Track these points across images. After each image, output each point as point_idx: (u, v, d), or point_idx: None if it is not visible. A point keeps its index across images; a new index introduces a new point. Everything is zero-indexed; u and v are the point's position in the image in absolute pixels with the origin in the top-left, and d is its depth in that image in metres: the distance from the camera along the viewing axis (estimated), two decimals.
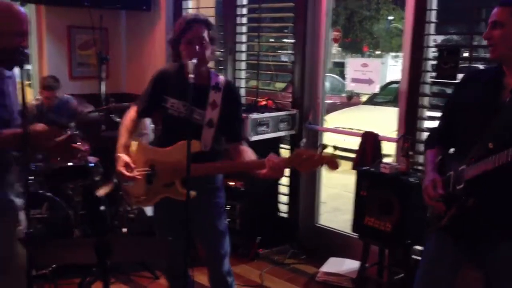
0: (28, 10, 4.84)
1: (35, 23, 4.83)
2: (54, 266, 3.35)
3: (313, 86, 4.10)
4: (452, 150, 2.25)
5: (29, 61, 2.21)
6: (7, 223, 2.35)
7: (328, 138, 4.84)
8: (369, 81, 3.87)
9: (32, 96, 4.65)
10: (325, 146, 2.27)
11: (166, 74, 2.51)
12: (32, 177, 3.47)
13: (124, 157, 2.43)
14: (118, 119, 3.90)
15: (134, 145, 2.53)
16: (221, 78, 2.52)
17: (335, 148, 2.35)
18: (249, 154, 2.45)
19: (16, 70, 2.33)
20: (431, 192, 2.08)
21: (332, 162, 2.20)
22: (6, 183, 2.29)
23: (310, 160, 2.20)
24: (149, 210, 4.21)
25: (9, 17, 2.11)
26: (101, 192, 3.68)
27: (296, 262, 3.98)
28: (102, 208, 4.12)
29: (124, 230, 3.89)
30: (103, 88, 4.35)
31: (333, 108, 8.99)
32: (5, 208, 2.32)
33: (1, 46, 2.09)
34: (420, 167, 3.34)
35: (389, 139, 3.80)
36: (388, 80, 10.50)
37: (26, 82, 2.16)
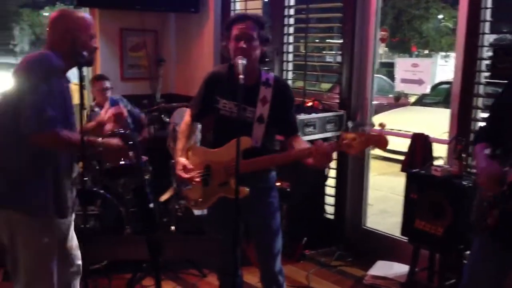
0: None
1: None
2: (106, 261, 3.46)
3: (361, 87, 4.06)
4: (498, 150, 2.19)
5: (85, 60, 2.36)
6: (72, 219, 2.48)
7: None
8: (420, 82, 3.79)
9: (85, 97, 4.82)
10: (373, 125, 2.25)
11: (216, 75, 2.55)
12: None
13: (182, 160, 2.50)
14: (167, 119, 3.98)
15: (190, 149, 2.59)
16: (271, 74, 2.54)
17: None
18: (302, 145, 2.45)
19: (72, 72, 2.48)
20: (495, 183, 1.99)
21: (382, 140, 2.17)
22: (72, 181, 2.39)
23: (359, 141, 2.19)
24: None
25: (82, 23, 2.29)
26: (163, 197, 3.77)
27: (342, 264, 3.95)
28: (151, 206, 4.21)
29: (173, 228, 3.96)
30: (158, 88, 4.43)
31: (380, 109, 8.84)
32: (75, 204, 2.45)
33: (79, 48, 2.24)
34: (474, 170, 3.24)
35: (440, 141, 3.70)
36: (437, 81, 10.24)
37: (77, 83, 2.28)
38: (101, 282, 3.41)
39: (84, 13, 2.38)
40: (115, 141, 2.35)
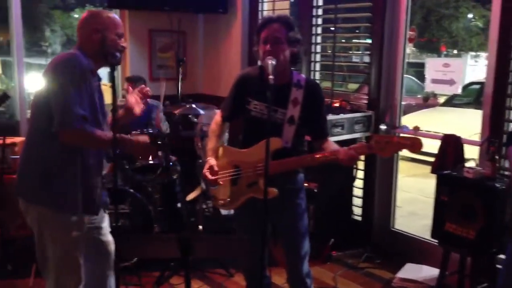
0: None
1: None
2: (135, 259, 3.51)
3: (390, 87, 4.01)
4: None
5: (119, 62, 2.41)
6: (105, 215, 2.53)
7: None
8: (451, 82, 3.72)
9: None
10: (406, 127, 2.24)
11: (247, 77, 2.56)
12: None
13: (210, 160, 2.51)
14: (195, 119, 4.01)
15: (220, 148, 2.60)
16: (303, 76, 2.54)
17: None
18: (331, 147, 2.45)
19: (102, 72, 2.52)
20: None
21: (416, 144, 2.16)
22: (101, 180, 2.44)
23: (392, 144, 2.17)
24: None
25: (110, 22, 2.33)
26: (191, 196, 3.80)
27: (370, 266, 3.91)
28: (179, 205, 4.26)
29: (200, 227, 3.99)
30: (179, 89, 4.50)
31: (408, 109, 8.73)
32: (106, 203, 2.50)
33: (107, 47, 2.28)
34: (507, 172, 3.17)
35: (472, 142, 3.63)
36: (467, 81, 10.04)
37: (109, 84, 2.32)
38: (130, 280, 3.46)
39: (113, 13, 2.41)
40: (143, 138, 2.41)
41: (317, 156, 2.42)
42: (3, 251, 3.72)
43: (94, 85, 2.32)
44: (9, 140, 3.95)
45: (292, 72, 2.50)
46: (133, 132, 3.27)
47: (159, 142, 2.45)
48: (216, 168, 2.48)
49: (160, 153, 3.83)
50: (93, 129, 2.23)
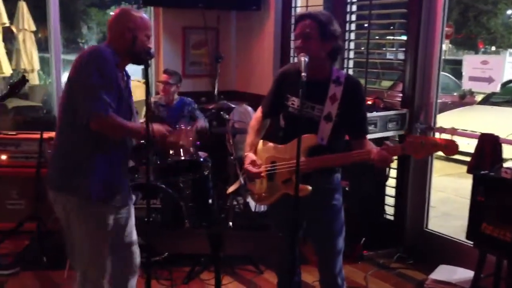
0: (147, 12, 5.17)
1: (153, 24, 5.14)
2: (166, 254, 3.55)
3: (425, 85, 3.92)
4: None
5: (152, 56, 2.43)
6: (131, 208, 2.56)
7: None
8: (489, 80, 3.62)
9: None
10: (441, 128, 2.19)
11: (286, 73, 2.54)
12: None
13: (250, 155, 2.52)
14: (227, 116, 4.03)
15: (259, 144, 2.61)
16: (343, 72, 2.50)
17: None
18: (368, 147, 2.42)
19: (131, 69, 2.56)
20: None
21: (451, 146, 2.11)
22: (127, 171, 2.48)
23: (427, 146, 2.12)
24: (253, 205, 4.31)
25: (144, 23, 2.38)
26: (230, 189, 3.81)
27: (403, 266, 3.85)
28: (210, 201, 4.29)
29: (230, 223, 4.01)
30: (216, 86, 4.52)
31: (443, 107, 8.52)
32: (131, 195, 2.53)
33: (137, 46, 2.32)
34: None
35: (510, 142, 3.52)
36: (506, 79, 9.74)
37: (142, 80, 2.35)
38: (161, 274, 3.51)
39: (143, 13, 2.45)
40: (165, 128, 2.45)
41: (350, 154, 2.39)
42: (39, 244, 3.83)
43: (120, 80, 2.34)
44: (46, 135, 4.06)
45: (332, 68, 2.47)
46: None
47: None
48: (258, 162, 2.49)
49: (191, 149, 3.86)
50: (120, 118, 2.27)
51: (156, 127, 2.40)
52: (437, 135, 3.69)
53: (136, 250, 2.58)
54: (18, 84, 3.39)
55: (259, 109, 2.66)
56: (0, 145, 4.29)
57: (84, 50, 2.36)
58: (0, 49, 7.78)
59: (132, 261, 2.56)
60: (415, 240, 4.05)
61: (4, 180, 4.25)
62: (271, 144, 2.58)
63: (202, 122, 4.30)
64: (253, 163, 2.48)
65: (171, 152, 3.80)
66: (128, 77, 2.49)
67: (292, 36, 4.77)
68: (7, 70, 7.95)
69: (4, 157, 4.29)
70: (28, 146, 4.29)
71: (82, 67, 2.25)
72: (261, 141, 2.61)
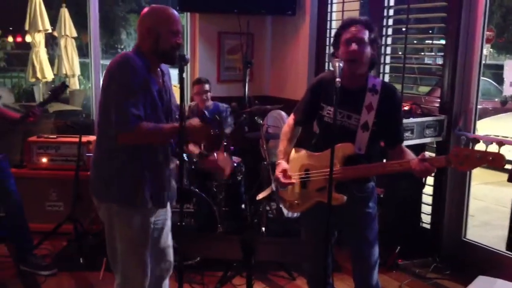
0: (184, 18, 5.24)
1: (190, 29, 5.21)
2: (198, 258, 3.57)
3: (464, 90, 3.83)
4: None
5: (187, 62, 2.37)
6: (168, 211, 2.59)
7: (478, 146, 4.47)
8: None
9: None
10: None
11: (322, 81, 2.51)
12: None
13: (282, 163, 2.50)
14: (260, 121, 4.03)
15: (293, 151, 2.59)
16: (378, 80, 2.46)
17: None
18: (407, 155, 2.37)
19: (169, 72, 2.54)
20: None
21: (497, 160, 2.04)
22: (167, 174, 2.48)
23: (472, 158, 2.07)
24: (286, 211, 4.29)
25: (165, 19, 2.31)
26: (261, 196, 3.82)
27: (439, 277, 3.74)
28: (243, 206, 4.29)
29: (263, 229, 4.00)
30: (246, 91, 4.54)
31: (484, 114, 8.29)
32: (173, 197, 2.56)
33: (161, 45, 2.29)
34: None
35: None
36: None
37: (178, 85, 2.34)
38: (194, 278, 3.53)
39: (171, 8, 2.37)
40: (194, 121, 2.37)
41: (389, 164, 2.34)
42: (77, 245, 3.92)
43: (153, 82, 2.32)
44: (85, 138, 4.16)
45: (368, 76, 2.43)
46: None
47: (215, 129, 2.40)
48: (289, 172, 2.47)
49: (225, 154, 3.87)
50: (149, 124, 2.26)
51: (189, 121, 2.35)
52: (481, 146, 3.56)
53: (171, 251, 2.60)
54: (58, 90, 3.51)
55: (292, 116, 2.64)
56: (41, 148, 4.42)
57: (114, 59, 2.33)
58: (43, 55, 8.04)
59: (167, 263, 2.58)
60: (452, 249, 3.94)
61: (44, 182, 4.37)
62: (305, 151, 2.56)
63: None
64: (284, 172, 2.45)
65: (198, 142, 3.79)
66: (164, 74, 2.46)
67: (328, 42, 4.77)
68: (49, 75, 8.21)
69: (44, 159, 4.42)
70: (68, 149, 4.41)
71: (111, 79, 2.26)
72: (294, 148, 2.59)
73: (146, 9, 2.38)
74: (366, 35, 2.32)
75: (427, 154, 2.29)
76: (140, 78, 2.24)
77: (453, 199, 3.96)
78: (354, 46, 2.29)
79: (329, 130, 2.40)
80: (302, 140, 2.68)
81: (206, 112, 2.43)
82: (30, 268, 3.66)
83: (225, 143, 3.98)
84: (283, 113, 4.66)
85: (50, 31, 8.07)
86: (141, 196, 2.34)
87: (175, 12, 2.35)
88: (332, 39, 2.46)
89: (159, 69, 2.42)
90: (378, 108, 2.36)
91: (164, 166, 2.44)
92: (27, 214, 3.73)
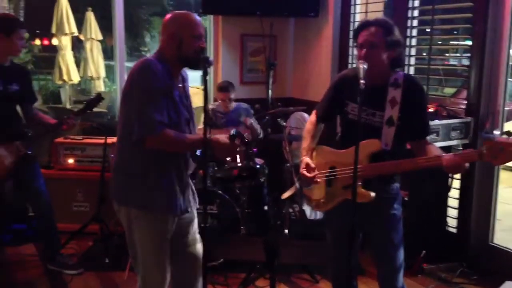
0: (207, 21, 5.28)
1: (213, 32, 5.24)
2: (222, 259, 3.58)
3: (491, 91, 3.76)
4: None
5: (211, 64, 2.37)
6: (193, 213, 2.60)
7: None
8: None
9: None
10: (510, 133, 2.07)
11: (345, 78, 2.50)
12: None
13: (306, 159, 2.49)
14: (283, 123, 4.02)
15: (316, 148, 2.58)
16: (401, 73, 2.41)
17: None
18: (434, 150, 2.33)
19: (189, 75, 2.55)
20: None
21: None
22: (187, 179, 2.50)
23: (507, 151, 2.02)
24: (309, 213, 4.27)
25: (187, 24, 2.32)
26: (285, 195, 3.81)
27: (466, 282, 3.68)
28: (265, 208, 4.29)
29: (286, 231, 3.99)
30: (269, 93, 4.54)
31: (511, 115, 8.11)
32: (194, 201, 2.57)
33: (184, 50, 2.30)
34: None
35: None
36: None
37: (201, 87, 2.35)
38: (217, 279, 3.54)
39: (193, 13, 2.38)
40: (223, 138, 2.36)
41: (419, 160, 2.30)
42: (102, 245, 3.97)
43: (174, 88, 2.34)
44: (110, 140, 4.22)
45: (390, 73, 2.40)
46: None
47: (239, 142, 2.41)
48: (313, 166, 2.45)
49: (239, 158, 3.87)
50: (175, 132, 2.27)
51: (217, 137, 2.34)
52: None
53: (200, 254, 2.58)
54: (93, 101, 3.55)
55: (314, 113, 2.63)
56: (67, 149, 4.50)
57: (135, 64, 2.32)
58: (69, 57, 8.19)
59: (197, 265, 2.57)
60: (479, 254, 3.87)
61: (70, 183, 4.45)
62: (329, 148, 2.53)
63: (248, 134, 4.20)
64: (308, 167, 2.44)
65: (227, 159, 3.85)
66: (185, 80, 2.47)
67: (351, 43, 4.74)
68: (76, 78, 8.36)
69: (71, 161, 4.50)
70: (93, 150, 4.48)
71: (133, 84, 2.26)
72: (317, 146, 2.57)
73: (168, 16, 2.39)
74: (379, 37, 2.29)
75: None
76: (161, 83, 2.25)
77: (480, 203, 3.89)
78: (363, 51, 2.29)
79: (353, 128, 2.38)
80: (323, 139, 2.66)
81: (234, 130, 2.40)
82: (57, 267, 3.73)
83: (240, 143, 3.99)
84: (305, 115, 4.64)
85: (76, 34, 8.22)
86: (160, 202, 2.34)
87: (197, 17, 2.37)
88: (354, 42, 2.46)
89: (180, 74, 2.43)
90: (402, 101, 2.34)
91: (184, 172, 2.44)
92: (54, 214, 3.81)
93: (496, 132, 3.69)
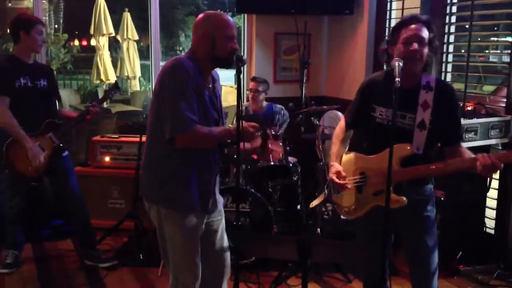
0: (241, 19, 5.29)
1: (247, 30, 5.26)
2: (254, 257, 3.59)
3: None
4: None
5: (244, 63, 2.38)
6: (221, 212, 2.61)
7: None
8: None
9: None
10: None
11: (373, 82, 2.46)
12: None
13: (336, 165, 2.47)
14: (317, 122, 4.00)
15: (345, 155, 2.56)
16: (432, 77, 2.38)
17: None
18: (468, 154, 2.28)
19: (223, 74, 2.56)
20: None
21: None
22: (216, 177, 2.51)
23: None
24: None
25: (220, 25, 2.32)
26: (314, 203, 3.80)
27: (503, 284, 3.58)
28: (298, 207, 4.28)
29: (318, 230, 3.97)
30: (303, 91, 4.53)
31: None
32: (220, 202, 2.57)
33: (217, 51, 2.31)
34: None
35: None
36: None
37: (235, 86, 2.35)
38: (249, 277, 3.55)
39: (226, 14, 2.38)
40: (249, 123, 2.38)
41: (451, 163, 2.25)
42: (137, 242, 4.04)
43: (205, 87, 2.34)
44: (145, 138, 4.27)
45: (421, 75, 2.35)
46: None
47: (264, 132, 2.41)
48: (343, 174, 2.43)
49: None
50: (203, 127, 2.27)
51: (246, 124, 2.36)
52: None
53: (228, 254, 2.61)
54: (111, 89, 3.85)
55: (343, 119, 2.61)
56: (104, 147, 4.60)
57: (167, 63, 2.32)
58: (106, 57, 8.38)
59: (224, 264, 2.60)
60: None
61: (106, 180, 4.54)
62: (359, 154, 2.50)
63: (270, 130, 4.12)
64: (338, 173, 2.42)
65: (256, 156, 3.85)
66: (215, 80, 2.48)
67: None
68: (112, 77, 8.54)
69: (107, 158, 4.60)
70: (129, 148, 4.56)
71: (165, 83, 2.27)
72: (348, 152, 2.54)
73: (201, 15, 2.39)
74: (426, 34, 2.25)
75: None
76: (193, 82, 2.26)
77: None
78: (415, 45, 2.22)
79: (382, 132, 2.35)
80: (351, 146, 2.64)
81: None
82: (92, 261, 3.82)
83: (280, 143, 3.98)
84: (339, 113, 4.61)
85: (113, 34, 8.39)
86: (190, 201, 2.36)
87: (230, 18, 2.37)
88: (389, 34, 2.39)
89: (210, 75, 2.44)
90: (434, 105, 2.29)
91: (213, 171, 2.45)
92: (91, 211, 3.90)
93: None
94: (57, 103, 3.90)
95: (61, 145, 3.59)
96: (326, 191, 3.61)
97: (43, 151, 3.51)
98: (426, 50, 2.26)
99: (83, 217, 3.82)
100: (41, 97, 3.58)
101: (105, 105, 9.20)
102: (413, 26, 2.26)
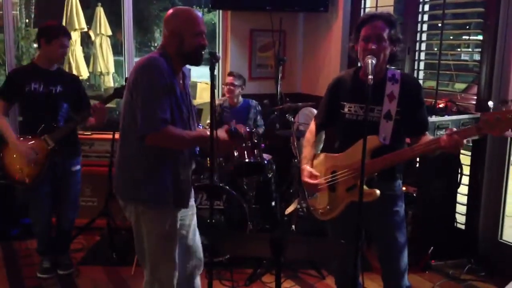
0: (216, 16, 5.26)
1: (222, 27, 5.23)
2: (228, 255, 3.58)
3: (503, 87, 3.71)
4: None
5: (218, 59, 2.35)
6: (193, 213, 2.60)
7: None
8: None
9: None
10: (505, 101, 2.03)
11: (340, 81, 2.49)
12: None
13: (307, 168, 2.48)
14: (292, 119, 4.01)
15: (316, 156, 2.56)
16: (398, 71, 2.43)
17: None
18: (430, 138, 2.32)
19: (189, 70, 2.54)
20: None
21: None
22: (190, 174, 2.50)
23: (503, 120, 2.00)
24: None
25: (188, 21, 2.31)
26: (289, 210, 3.80)
27: (474, 278, 3.65)
28: (273, 203, 4.28)
29: (293, 226, 3.98)
30: (279, 88, 4.53)
31: None
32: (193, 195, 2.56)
33: (185, 47, 2.30)
34: None
35: None
36: None
37: (209, 83, 2.33)
38: (223, 274, 3.54)
39: (195, 10, 2.38)
40: (222, 134, 2.38)
41: (417, 147, 2.28)
42: (109, 240, 3.99)
43: (177, 85, 2.33)
44: (118, 135, 4.21)
45: (387, 69, 2.39)
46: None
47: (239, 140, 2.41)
48: (315, 173, 2.44)
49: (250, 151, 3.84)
50: (176, 129, 2.27)
51: (219, 133, 2.36)
52: None
53: (200, 247, 2.61)
54: (121, 90, 3.52)
55: (313, 122, 2.62)
56: None
57: (140, 60, 2.32)
58: (78, 53, 8.21)
59: (197, 259, 2.60)
60: (488, 251, 3.84)
61: None
62: (329, 154, 2.51)
63: (244, 128, 4.15)
64: (310, 175, 2.43)
65: (235, 154, 3.84)
66: (185, 76, 2.47)
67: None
68: (85, 73, 8.38)
69: None
70: (101, 146, 4.49)
71: (138, 81, 2.25)
72: (318, 154, 2.55)
73: (169, 11, 2.38)
74: (385, 31, 2.28)
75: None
76: (166, 81, 2.25)
77: (489, 199, 3.85)
78: (370, 45, 2.26)
79: (352, 127, 2.38)
80: (323, 148, 2.65)
81: (232, 126, 2.42)
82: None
83: (255, 141, 3.97)
84: (314, 110, 4.62)
85: (86, 29, 8.24)
86: (166, 197, 2.35)
87: (199, 13, 2.35)
88: (352, 33, 2.42)
89: (181, 71, 2.42)
90: (400, 97, 2.32)
91: (188, 167, 2.45)
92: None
93: (491, 103, 3.63)
94: (68, 108, 3.56)
95: (56, 148, 3.46)
96: (300, 196, 3.62)
97: (36, 154, 3.40)
98: (386, 47, 2.28)
99: (69, 233, 3.74)
100: (54, 102, 3.45)
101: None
102: (372, 23, 2.29)
